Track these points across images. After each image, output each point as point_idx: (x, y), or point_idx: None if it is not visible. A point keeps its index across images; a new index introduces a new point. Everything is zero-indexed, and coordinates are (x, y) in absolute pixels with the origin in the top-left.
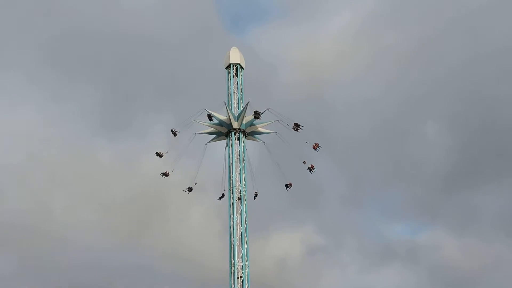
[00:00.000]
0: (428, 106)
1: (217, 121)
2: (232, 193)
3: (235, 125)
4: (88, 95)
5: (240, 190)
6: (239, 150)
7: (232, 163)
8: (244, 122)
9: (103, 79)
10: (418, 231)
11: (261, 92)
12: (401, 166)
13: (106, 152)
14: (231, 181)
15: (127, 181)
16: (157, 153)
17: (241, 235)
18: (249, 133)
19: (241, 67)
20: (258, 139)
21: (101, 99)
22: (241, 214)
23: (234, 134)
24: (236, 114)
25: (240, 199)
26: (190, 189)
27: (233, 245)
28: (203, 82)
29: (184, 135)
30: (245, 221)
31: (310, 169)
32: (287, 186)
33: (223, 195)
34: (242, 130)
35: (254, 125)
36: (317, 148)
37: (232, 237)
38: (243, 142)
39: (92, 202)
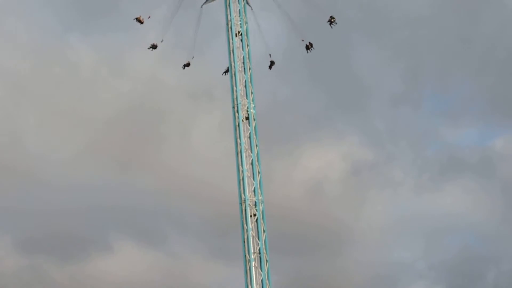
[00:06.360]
0: None
1: None
2: (237, 111)
3: None
4: None
5: (248, 107)
6: (239, 10)
7: (233, 50)
8: None
9: None
10: (491, 135)
11: None
12: (470, 48)
13: (82, 50)
14: (234, 96)
15: (110, 89)
16: (137, 18)
17: (252, 163)
18: None
19: None
20: None
21: None
22: (250, 137)
23: None
24: None
25: (247, 118)
26: (187, 65)
27: (243, 177)
28: None
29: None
30: (256, 145)
31: (331, 21)
32: (307, 47)
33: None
34: None
35: None
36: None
37: (240, 167)
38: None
39: (66, 122)
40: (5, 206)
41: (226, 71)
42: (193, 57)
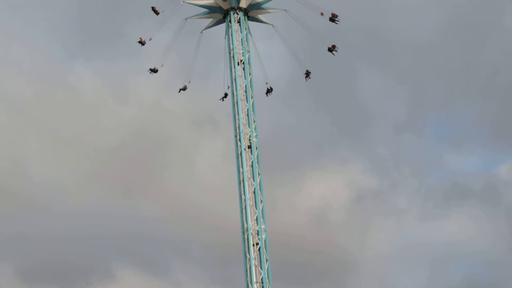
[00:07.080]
0: None
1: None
2: (240, 140)
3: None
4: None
5: (250, 136)
6: (241, 39)
7: (235, 79)
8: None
9: None
10: (496, 162)
11: None
12: (474, 76)
13: (85, 77)
14: (236, 125)
15: (114, 116)
16: (140, 40)
17: (254, 192)
18: (251, 15)
19: None
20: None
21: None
22: (252, 166)
23: (233, 14)
24: None
25: (250, 147)
26: (184, 89)
27: (245, 206)
28: None
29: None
30: (259, 174)
31: (331, 49)
32: (307, 74)
33: (226, 95)
34: (242, 8)
35: (259, 5)
36: (336, 20)
37: (243, 195)
38: (246, 27)
39: (69, 149)
40: (6, 233)
41: (225, 96)
42: (189, 82)
